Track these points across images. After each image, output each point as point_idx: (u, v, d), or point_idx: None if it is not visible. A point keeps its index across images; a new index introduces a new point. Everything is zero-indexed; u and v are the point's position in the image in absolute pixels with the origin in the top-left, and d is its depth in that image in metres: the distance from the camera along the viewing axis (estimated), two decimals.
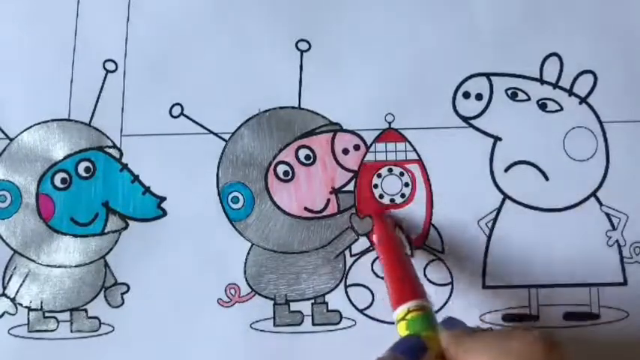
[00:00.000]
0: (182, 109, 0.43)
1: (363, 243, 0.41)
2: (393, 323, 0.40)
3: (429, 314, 0.34)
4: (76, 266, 0.41)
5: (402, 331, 0.34)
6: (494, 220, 0.41)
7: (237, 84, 0.43)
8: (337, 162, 0.42)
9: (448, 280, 0.41)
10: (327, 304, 0.41)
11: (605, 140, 0.42)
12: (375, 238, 0.40)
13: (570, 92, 0.43)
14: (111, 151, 0.42)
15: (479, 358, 0.29)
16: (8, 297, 0.41)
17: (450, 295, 0.41)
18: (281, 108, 0.43)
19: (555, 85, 0.43)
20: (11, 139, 0.43)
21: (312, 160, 0.42)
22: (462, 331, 0.32)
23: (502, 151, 0.42)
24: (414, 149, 0.42)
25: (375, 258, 0.41)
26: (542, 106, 0.42)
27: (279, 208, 0.42)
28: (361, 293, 0.41)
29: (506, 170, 0.42)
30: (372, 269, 0.41)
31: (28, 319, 0.41)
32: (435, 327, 0.33)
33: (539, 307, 0.40)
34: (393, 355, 0.31)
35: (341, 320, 0.41)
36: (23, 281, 0.41)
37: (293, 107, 0.43)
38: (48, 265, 0.41)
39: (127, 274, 0.41)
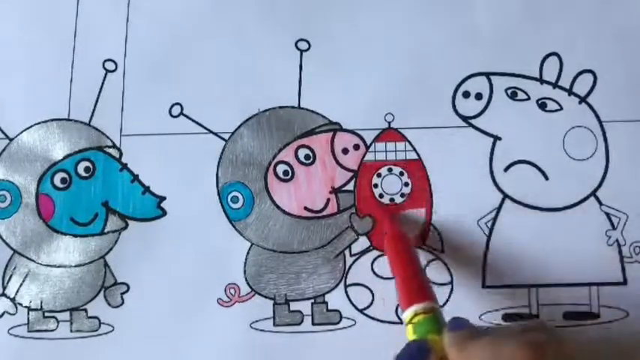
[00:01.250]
0: (182, 108, 0.43)
1: (362, 243, 0.41)
2: (392, 323, 0.40)
3: (436, 316, 0.34)
4: (75, 266, 0.41)
5: (409, 334, 0.34)
6: (494, 219, 0.41)
7: (236, 83, 0.43)
8: (337, 161, 0.42)
9: (448, 280, 0.41)
10: (326, 303, 0.41)
11: (605, 140, 0.42)
12: (385, 236, 0.40)
13: (570, 92, 0.43)
14: (110, 150, 0.42)
15: None
16: (8, 297, 0.41)
17: (450, 295, 0.41)
18: (281, 107, 0.43)
19: (555, 85, 0.43)
20: (11, 139, 0.43)
21: (311, 159, 0.42)
22: (464, 333, 0.32)
23: (502, 151, 0.42)
24: (414, 149, 0.42)
25: (375, 257, 0.41)
26: (542, 106, 0.42)
27: (278, 207, 0.42)
28: (361, 293, 0.41)
29: (505, 170, 0.42)
30: (372, 269, 0.41)
31: (28, 318, 0.41)
32: (442, 329, 0.33)
33: (539, 306, 0.40)
34: None
35: (341, 320, 0.41)
36: (23, 281, 0.41)
37: (293, 107, 0.43)
38: (48, 265, 0.41)
39: (126, 274, 0.41)
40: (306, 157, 0.42)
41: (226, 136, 0.42)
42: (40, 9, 0.44)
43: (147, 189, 0.42)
